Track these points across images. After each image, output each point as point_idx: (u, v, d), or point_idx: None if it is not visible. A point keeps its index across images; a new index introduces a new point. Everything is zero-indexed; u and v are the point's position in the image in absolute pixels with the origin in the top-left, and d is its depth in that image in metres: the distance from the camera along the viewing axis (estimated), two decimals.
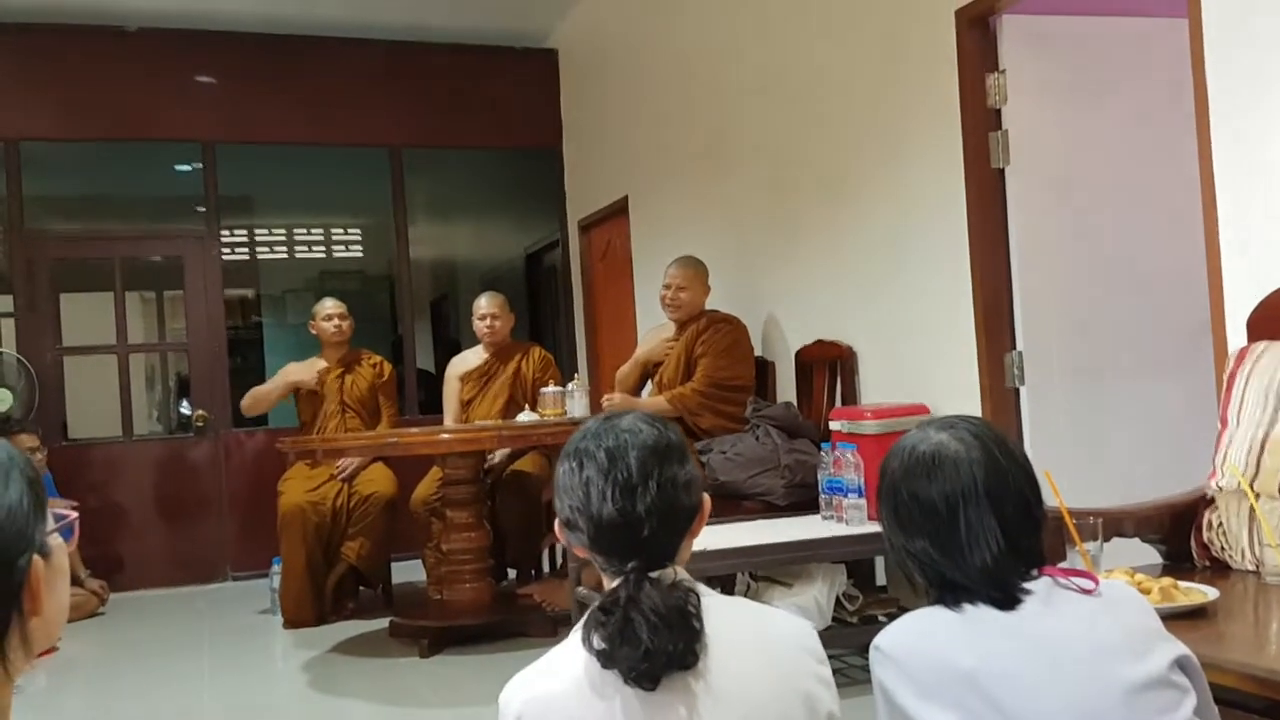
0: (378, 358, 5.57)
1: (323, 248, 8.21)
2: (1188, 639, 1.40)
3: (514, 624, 4.45)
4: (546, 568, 5.42)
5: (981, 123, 3.51)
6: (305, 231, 7.99)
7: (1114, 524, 2.27)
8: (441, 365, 6.15)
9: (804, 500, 3.81)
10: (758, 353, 4.66)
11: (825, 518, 3.52)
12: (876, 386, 4.07)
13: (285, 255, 7.95)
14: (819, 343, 4.36)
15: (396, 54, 6.84)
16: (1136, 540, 2.39)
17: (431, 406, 6.45)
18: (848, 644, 3.28)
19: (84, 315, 6.69)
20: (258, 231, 7.64)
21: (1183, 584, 1.95)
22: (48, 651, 1.01)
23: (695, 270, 4.60)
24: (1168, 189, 3.40)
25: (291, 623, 4.98)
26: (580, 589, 3.73)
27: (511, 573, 5.38)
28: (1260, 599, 2.09)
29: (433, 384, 6.96)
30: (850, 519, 3.39)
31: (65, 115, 6.25)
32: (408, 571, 5.58)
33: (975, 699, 1.29)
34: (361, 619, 4.99)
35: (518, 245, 8.16)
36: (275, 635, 4.96)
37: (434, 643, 4.30)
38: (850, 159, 4.16)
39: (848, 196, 4.19)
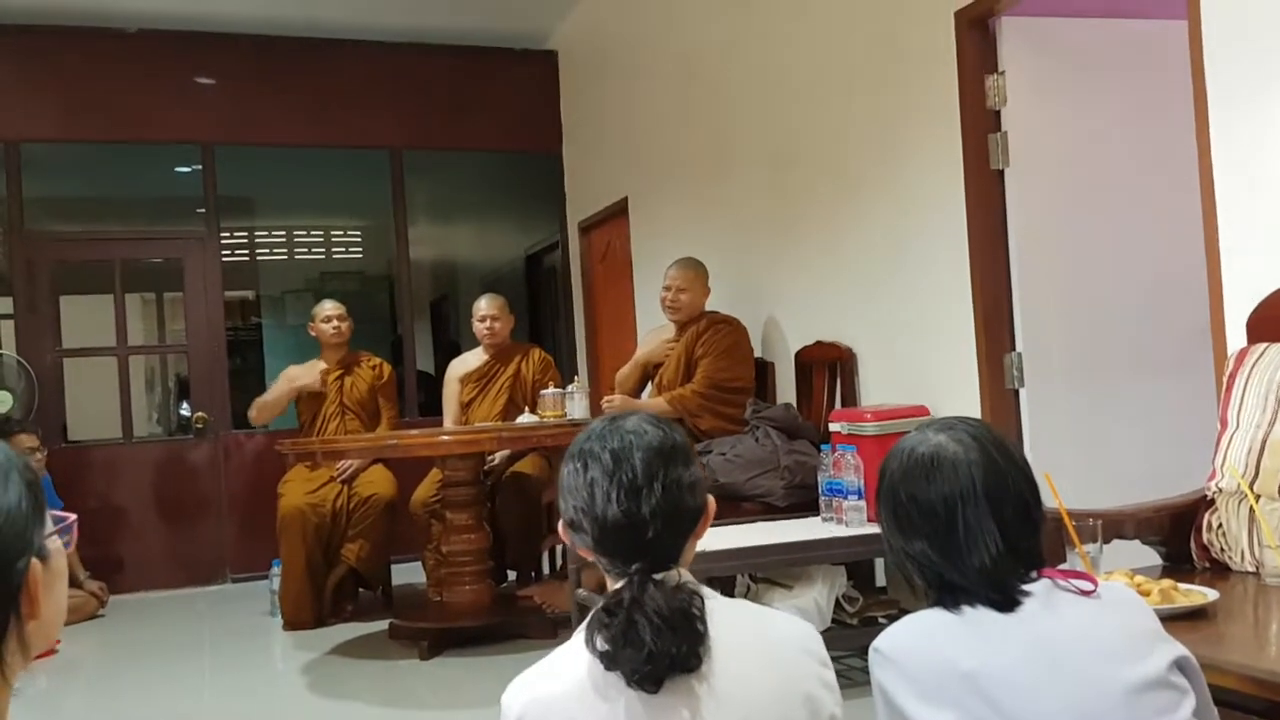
0: (377, 359, 5.57)
1: (322, 249, 8.21)
2: (1187, 640, 1.40)
3: (514, 626, 4.45)
4: (546, 569, 5.42)
5: (981, 124, 3.51)
6: (305, 233, 7.99)
7: (1114, 526, 2.27)
8: (441, 367, 6.15)
9: (804, 502, 3.81)
10: (757, 354, 4.66)
11: (825, 519, 3.52)
12: (876, 388, 4.07)
13: (285, 257, 7.95)
14: (819, 344, 4.36)
15: (396, 56, 6.85)
16: (1136, 542, 2.39)
17: (431, 408, 6.45)
18: (848, 646, 3.28)
19: (84, 317, 6.69)
20: (257, 233, 7.64)
21: (1182, 585, 1.95)
22: (47, 653, 1.01)
23: (695, 271, 4.60)
24: (1167, 190, 3.40)
25: (291, 624, 4.98)
26: (580, 591, 3.73)
27: (511, 575, 5.38)
28: (1260, 600, 2.09)
29: (432, 386, 6.96)
30: (850, 520, 3.38)
31: (65, 116, 6.26)
32: (407, 573, 5.58)
33: (975, 700, 1.29)
34: (361, 621, 4.99)
35: (518, 247, 8.16)
36: (275, 637, 4.96)
37: (434, 644, 4.30)
38: (850, 160, 4.16)
39: (847, 197, 4.19)
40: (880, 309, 4.03)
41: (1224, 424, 2.33)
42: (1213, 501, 2.31)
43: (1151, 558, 2.42)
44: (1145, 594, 1.85)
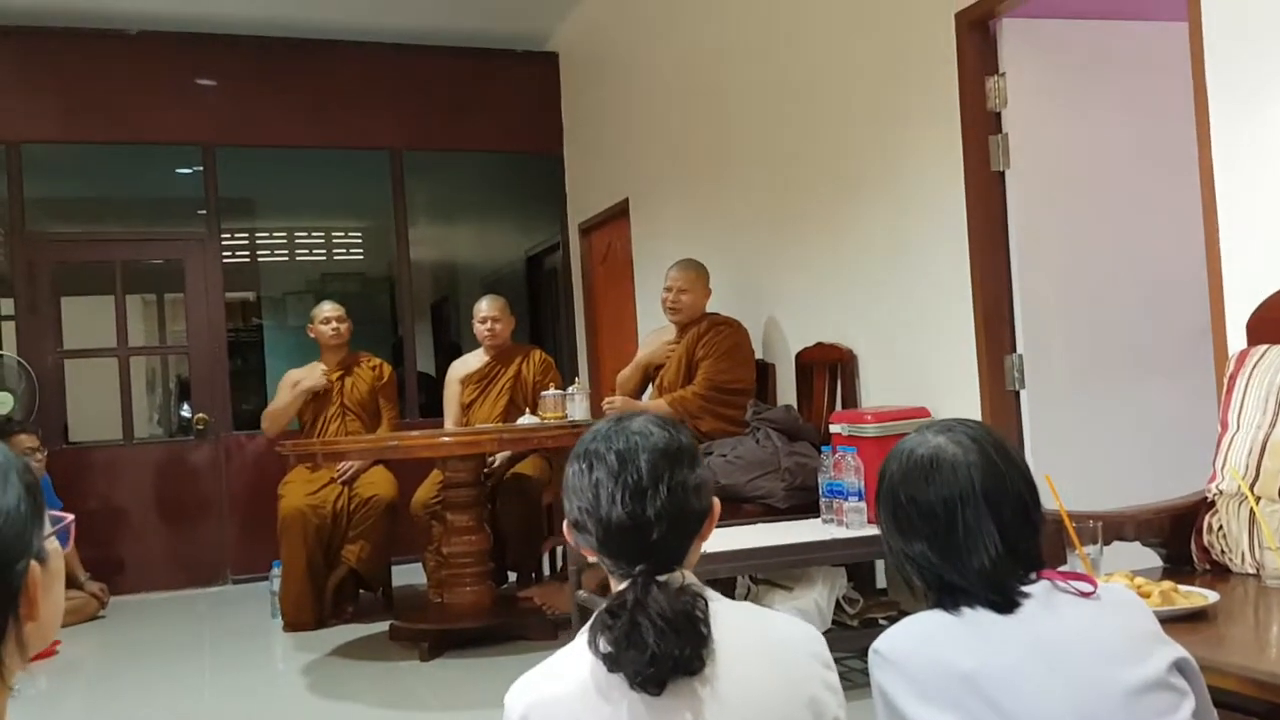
0: (377, 360, 5.57)
1: (323, 250, 8.20)
2: (1188, 642, 1.40)
3: (514, 627, 4.45)
4: (547, 571, 5.42)
5: (981, 126, 3.51)
6: (306, 234, 7.98)
7: (1114, 527, 2.27)
8: (442, 368, 6.15)
9: (804, 503, 3.81)
10: (758, 355, 4.66)
11: (825, 521, 3.52)
12: (877, 389, 4.07)
13: (286, 258, 7.94)
14: (819, 345, 4.36)
15: (397, 57, 6.85)
16: (1137, 544, 2.39)
17: (432, 409, 6.45)
18: (848, 647, 3.27)
19: (85, 318, 6.69)
20: (258, 234, 7.64)
21: (1183, 587, 1.94)
22: (47, 654, 1.02)
23: (696, 273, 4.60)
24: (1167, 192, 3.40)
25: (291, 626, 4.98)
26: (581, 592, 3.73)
27: (512, 576, 5.38)
28: (1260, 602, 2.09)
29: (433, 387, 6.96)
30: (850, 522, 3.38)
31: (66, 118, 6.26)
32: (408, 574, 5.58)
33: (975, 701, 1.29)
34: (361, 622, 4.99)
35: (518, 248, 8.15)
36: (275, 638, 4.96)
37: (434, 646, 4.30)
38: (850, 161, 4.16)
39: (848, 199, 4.19)
40: (881, 310, 4.03)
41: (1224, 426, 2.33)
42: (1213, 503, 2.31)
43: (1152, 559, 2.42)
44: (1145, 596, 1.85)
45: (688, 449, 1.38)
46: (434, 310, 8.42)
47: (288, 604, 5.02)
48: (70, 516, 1.03)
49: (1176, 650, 1.36)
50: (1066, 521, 1.97)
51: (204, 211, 6.62)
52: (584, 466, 1.36)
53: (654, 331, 4.97)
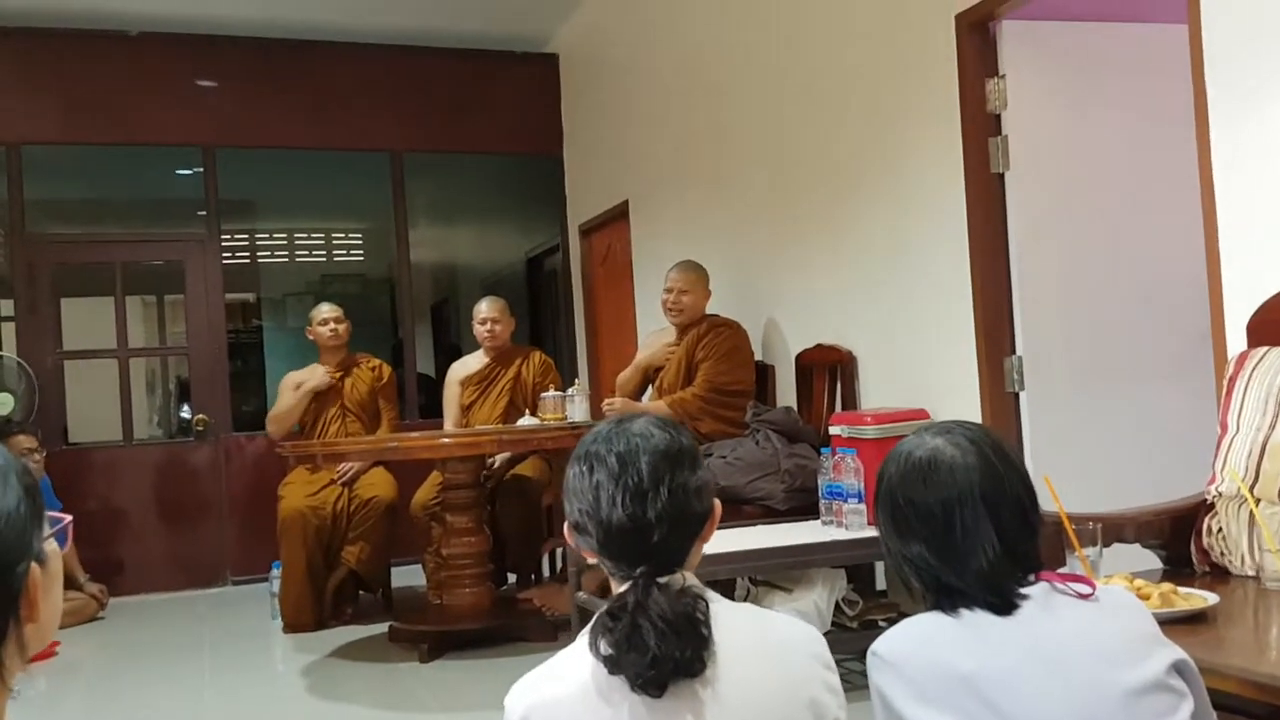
0: (377, 361, 5.58)
1: (323, 252, 8.21)
2: (1187, 644, 1.40)
3: (514, 629, 4.45)
4: (546, 572, 5.42)
5: (981, 128, 3.51)
6: (306, 235, 7.99)
7: (1114, 529, 2.27)
8: (442, 370, 6.15)
9: (804, 505, 3.81)
10: (758, 357, 4.66)
11: (825, 522, 3.52)
12: (876, 391, 4.07)
13: (286, 259, 7.95)
14: (819, 347, 4.36)
15: (397, 58, 6.86)
16: (1136, 545, 2.39)
17: (432, 411, 6.45)
18: (848, 649, 3.27)
19: (85, 319, 6.69)
20: (258, 235, 7.65)
21: (1182, 589, 1.94)
22: (46, 655, 1.02)
23: (696, 274, 4.60)
24: (1167, 194, 3.40)
25: (291, 627, 4.98)
26: (580, 594, 3.73)
27: (511, 577, 5.38)
28: (1260, 604, 2.08)
29: (433, 388, 6.96)
30: (850, 524, 3.38)
31: (66, 119, 6.26)
32: (407, 576, 5.58)
33: (973, 703, 1.29)
34: (361, 623, 4.99)
35: (518, 249, 8.16)
36: (275, 640, 4.96)
37: (434, 647, 4.30)
38: (850, 163, 4.16)
39: (847, 200, 4.19)
40: (881, 312, 4.03)
41: (1224, 428, 2.33)
42: (1213, 505, 2.31)
43: (1151, 561, 2.42)
44: (1145, 598, 1.85)
45: (689, 451, 1.38)
46: (434, 312, 8.42)
47: (287, 605, 5.01)
48: (68, 517, 1.04)
49: (1175, 652, 1.36)
50: (1066, 523, 1.97)
51: (204, 213, 6.62)
52: (584, 469, 1.36)
53: (654, 333, 4.97)
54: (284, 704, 3.96)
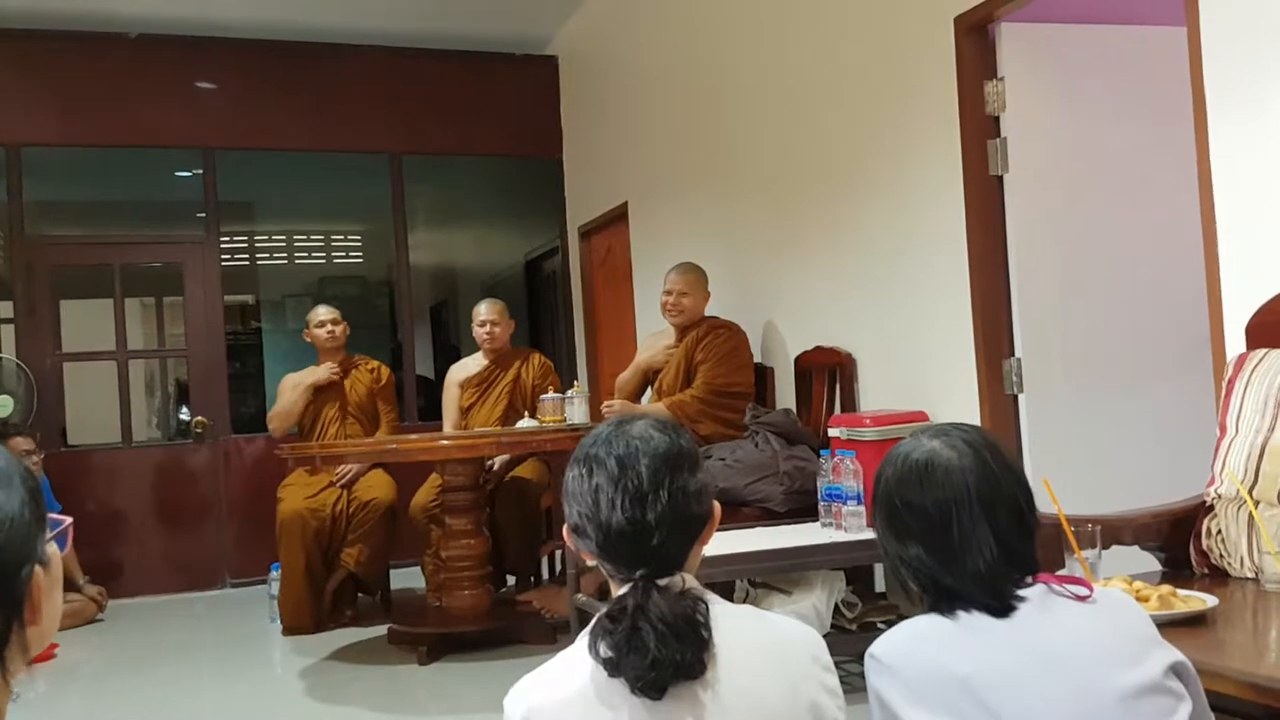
0: (375, 363, 5.58)
1: (323, 254, 8.21)
2: (1187, 646, 1.40)
3: (513, 631, 4.45)
4: (545, 574, 5.42)
5: (980, 130, 3.51)
6: (305, 238, 7.99)
7: (1113, 532, 2.27)
8: (441, 372, 6.15)
9: (803, 507, 3.81)
10: (757, 359, 4.66)
11: (824, 524, 3.52)
12: (876, 393, 4.07)
13: (285, 261, 7.95)
14: (818, 349, 4.36)
15: (397, 60, 6.86)
16: (1135, 548, 2.39)
17: (431, 413, 6.45)
18: (846, 651, 3.27)
19: (84, 321, 6.69)
20: (257, 237, 7.65)
21: (1182, 591, 1.94)
22: (45, 657, 1.02)
23: (696, 276, 4.60)
24: (1166, 196, 3.40)
25: (290, 629, 4.98)
26: (579, 596, 3.73)
27: (510, 579, 5.38)
28: (1259, 606, 2.08)
29: (432, 390, 6.96)
30: (849, 526, 3.38)
31: (66, 121, 6.26)
32: (406, 578, 5.57)
33: (971, 705, 1.29)
34: (360, 626, 4.99)
35: (517, 251, 8.16)
36: (274, 642, 4.96)
37: (432, 650, 4.30)
38: (849, 165, 4.17)
39: (846, 203, 4.19)
40: (880, 314, 4.03)
41: (1223, 429, 2.33)
42: (1212, 507, 2.31)
43: (1150, 563, 2.42)
44: (1144, 600, 1.85)
45: (688, 453, 1.38)
46: (433, 314, 8.43)
47: (286, 607, 5.01)
48: (69, 520, 1.04)
49: (1173, 654, 1.36)
50: (1065, 525, 1.97)
51: (203, 214, 6.62)
52: (584, 471, 1.36)
53: (653, 335, 4.97)
54: (282, 706, 3.95)
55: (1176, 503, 2.42)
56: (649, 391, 4.77)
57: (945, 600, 1.39)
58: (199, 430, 6.48)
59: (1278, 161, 2.52)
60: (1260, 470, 2.19)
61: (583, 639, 1.29)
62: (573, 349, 7.21)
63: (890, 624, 2.89)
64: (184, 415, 6.96)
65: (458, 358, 5.81)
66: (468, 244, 8.46)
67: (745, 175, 4.95)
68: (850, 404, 4.15)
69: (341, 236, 8.18)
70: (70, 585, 5.25)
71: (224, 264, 6.74)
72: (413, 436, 4.76)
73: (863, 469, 3.37)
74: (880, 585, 3.88)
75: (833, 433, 3.70)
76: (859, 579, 3.68)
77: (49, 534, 1.00)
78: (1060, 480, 2.04)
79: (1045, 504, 1.64)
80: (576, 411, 4.70)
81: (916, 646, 1.37)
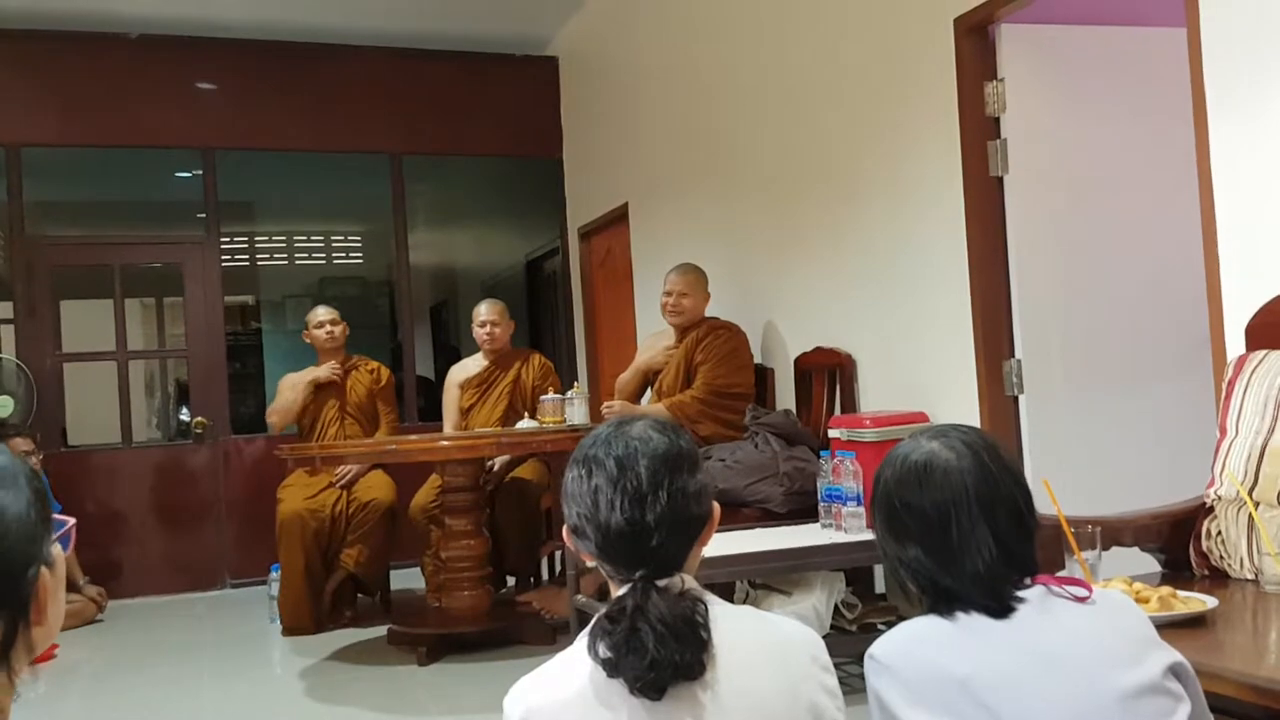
0: (375, 363, 5.57)
1: (323, 254, 8.22)
2: (1186, 648, 1.40)
3: (512, 631, 4.45)
4: (545, 575, 5.41)
5: (980, 131, 3.51)
6: (305, 238, 7.99)
7: (1112, 533, 2.27)
8: (441, 372, 6.15)
9: (803, 508, 3.81)
10: (757, 360, 4.66)
11: (824, 525, 3.52)
12: (875, 394, 4.07)
13: (285, 261, 7.95)
14: (818, 350, 4.36)
15: (397, 61, 6.86)
16: (1135, 549, 2.39)
17: (431, 414, 6.45)
18: (846, 652, 3.27)
19: (84, 321, 6.69)
20: (258, 238, 7.65)
21: (1181, 593, 1.94)
22: (45, 657, 1.02)
23: (696, 277, 4.60)
24: (1166, 197, 3.40)
25: (290, 630, 4.98)
26: (579, 596, 3.73)
27: (510, 580, 5.38)
28: (1259, 608, 2.08)
29: (432, 391, 6.97)
30: (849, 527, 3.38)
31: (66, 121, 6.27)
32: (406, 579, 5.57)
33: (970, 706, 1.29)
34: (360, 626, 4.99)
35: (518, 252, 8.16)
36: (273, 642, 4.96)
37: (432, 650, 4.30)
38: (849, 165, 4.16)
39: (846, 203, 4.19)
40: (880, 315, 4.03)
41: (1223, 431, 2.33)
42: (1212, 509, 2.31)
43: (1150, 565, 2.42)
44: (1144, 601, 1.85)
45: (688, 454, 1.38)
46: (433, 314, 8.43)
47: (286, 608, 5.01)
48: (72, 520, 1.04)
49: (1172, 655, 1.36)
50: (1065, 526, 1.97)
51: (203, 215, 6.62)
52: (583, 472, 1.36)
53: (653, 335, 4.97)
54: (282, 706, 3.95)
55: (1176, 504, 2.42)
56: (649, 392, 4.77)
57: (944, 601, 1.39)
58: (199, 431, 6.48)
59: (1278, 161, 2.52)
60: (1260, 471, 2.19)
61: (582, 640, 1.30)
62: (573, 349, 7.21)
63: (890, 625, 2.90)
64: (184, 416, 6.96)
65: (458, 358, 5.81)
66: (468, 244, 8.46)
67: (745, 175, 4.95)
68: (850, 405, 4.15)
69: (341, 237, 8.19)
70: (70, 585, 5.25)
71: (224, 264, 6.74)
72: (412, 437, 4.77)
73: (862, 470, 3.37)
74: (880, 586, 3.88)
75: (833, 434, 3.70)
76: (859, 580, 3.68)
77: (53, 535, 1.00)
78: (1060, 481, 2.04)
79: (1045, 505, 1.64)
80: (576, 412, 4.70)
81: (916, 647, 1.37)
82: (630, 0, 6.12)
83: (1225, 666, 1.66)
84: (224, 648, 4.89)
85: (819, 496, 3.57)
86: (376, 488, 5.15)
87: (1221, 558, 2.26)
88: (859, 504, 3.37)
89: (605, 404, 4.58)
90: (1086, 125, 3.55)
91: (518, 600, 4.98)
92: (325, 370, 5.34)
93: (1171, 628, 1.76)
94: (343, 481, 5.17)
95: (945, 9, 3.54)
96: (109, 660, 4.79)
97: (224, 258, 6.75)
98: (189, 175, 6.67)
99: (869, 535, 3.25)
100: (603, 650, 1.25)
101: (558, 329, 7.51)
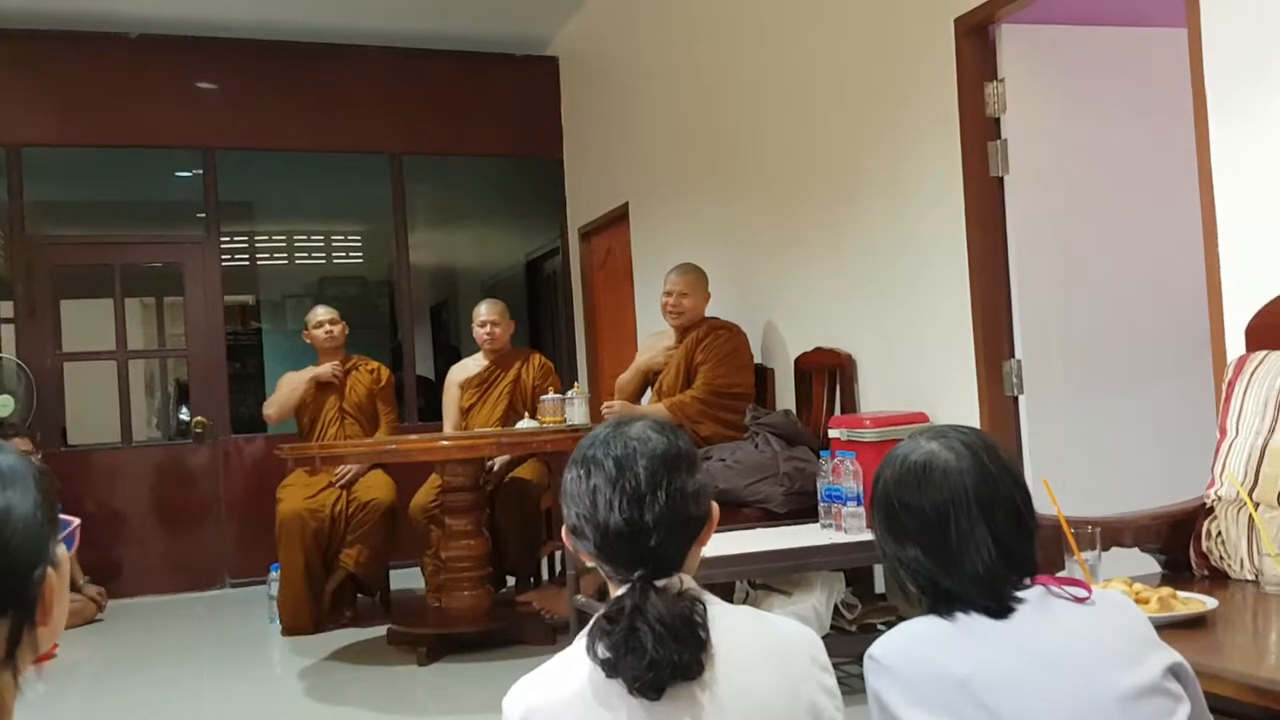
0: (375, 363, 5.57)
1: (323, 254, 8.22)
2: (1186, 649, 1.40)
3: (512, 631, 4.45)
4: (545, 575, 5.41)
5: (981, 131, 3.51)
6: (305, 238, 7.99)
7: (1112, 533, 2.27)
8: (441, 372, 6.15)
9: (803, 508, 3.81)
10: (757, 360, 4.65)
11: (824, 526, 3.52)
12: (876, 394, 4.07)
13: (285, 261, 7.95)
14: (818, 350, 4.36)
15: (397, 61, 6.86)
16: (1135, 550, 2.39)
17: (431, 413, 6.45)
18: (846, 653, 3.27)
19: (84, 321, 6.69)
20: (258, 238, 7.65)
21: (1181, 594, 1.94)
22: (45, 657, 1.02)
23: (696, 277, 4.60)
24: (1167, 197, 3.40)
25: (289, 630, 4.98)
26: (579, 597, 3.73)
27: (510, 580, 5.38)
28: (1259, 608, 2.08)
29: (432, 391, 6.96)
30: (849, 527, 3.38)
31: (66, 121, 6.27)
32: (406, 579, 5.57)
33: (969, 706, 1.29)
34: (359, 626, 4.99)
35: (518, 252, 8.16)
36: (273, 642, 4.96)
37: (432, 650, 4.30)
38: (849, 167, 4.16)
39: (846, 203, 4.19)
40: (880, 315, 4.03)
41: (1223, 431, 2.33)
42: (1212, 509, 2.31)
43: (1150, 565, 2.42)
44: (1144, 602, 1.85)
45: (686, 454, 1.38)
46: (433, 314, 8.43)
47: (285, 608, 5.01)
48: (76, 520, 1.04)
49: (1171, 655, 1.36)
50: (1065, 527, 1.97)
51: (203, 215, 6.62)
52: (582, 472, 1.36)
53: (653, 335, 4.97)
54: (282, 706, 3.95)
55: (1176, 504, 2.42)
56: (649, 392, 4.76)
57: (944, 602, 1.39)
58: (199, 430, 6.48)
59: (1278, 161, 2.52)
60: (1260, 472, 2.19)
61: (581, 640, 1.30)
62: (573, 349, 7.21)
63: (890, 625, 2.89)
64: (184, 415, 6.96)
65: (458, 358, 5.81)
66: (468, 244, 8.46)
67: (745, 175, 4.95)
68: (850, 405, 4.15)
69: (341, 237, 8.19)
70: (71, 585, 5.23)
71: (224, 264, 6.74)
72: (412, 437, 4.77)
73: (862, 470, 3.37)
74: (880, 586, 3.88)
75: (833, 434, 3.70)
76: (858, 580, 3.68)
77: (59, 535, 1.00)
78: (1060, 481, 2.04)
79: (1045, 505, 1.64)
80: (576, 412, 4.70)
81: (915, 648, 1.37)
82: (630, 0, 6.12)
83: (1225, 667, 1.66)
84: (224, 648, 4.89)
85: (819, 497, 3.57)
86: (376, 487, 5.15)
87: (1221, 558, 2.26)
88: (859, 504, 3.37)
89: (605, 404, 4.58)
90: (1086, 125, 3.55)
91: (518, 600, 4.97)
92: (326, 369, 5.34)
93: (1171, 628, 1.76)
94: (342, 481, 5.17)
95: (945, 9, 3.54)
96: (109, 660, 4.79)
97: (224, 257, 6.75)
98: (189, 175, 6.67)
99: (869, 535, 3.25)
100: (601, 650, 1.25)
101: (558, 329, 7.51)
